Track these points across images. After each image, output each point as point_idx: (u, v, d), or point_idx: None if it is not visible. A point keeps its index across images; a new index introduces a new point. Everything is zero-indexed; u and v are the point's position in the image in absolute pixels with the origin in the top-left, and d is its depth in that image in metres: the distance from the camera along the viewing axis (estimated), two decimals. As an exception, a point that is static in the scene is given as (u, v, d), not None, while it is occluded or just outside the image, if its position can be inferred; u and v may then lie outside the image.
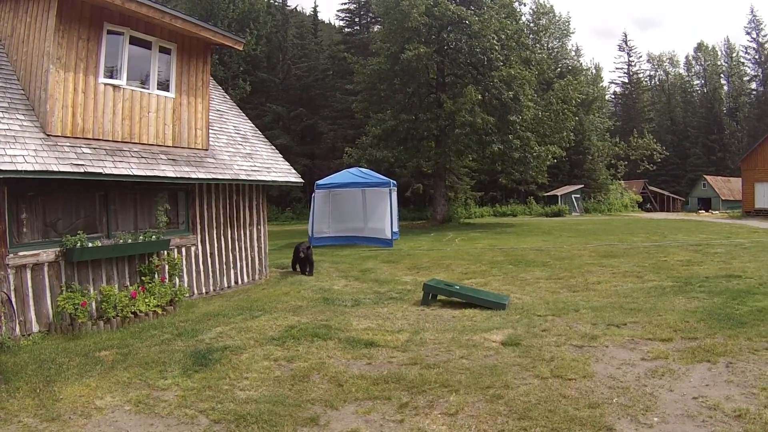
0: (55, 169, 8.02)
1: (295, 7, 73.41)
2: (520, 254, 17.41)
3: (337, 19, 70.45)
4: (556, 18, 71.88)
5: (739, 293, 9.56)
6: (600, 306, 9.20)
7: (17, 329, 7.79)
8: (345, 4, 63.93)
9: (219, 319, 9.01)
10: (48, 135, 8.46)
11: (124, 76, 9.69)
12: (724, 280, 11.01)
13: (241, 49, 12.83)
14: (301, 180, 14.11)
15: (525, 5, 42.83)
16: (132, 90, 9.85)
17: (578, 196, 58.65)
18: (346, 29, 65.29)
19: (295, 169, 14.51)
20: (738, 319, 7.74)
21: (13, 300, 7.79)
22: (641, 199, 69.28)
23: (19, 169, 7.57)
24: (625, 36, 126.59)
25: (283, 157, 14.44)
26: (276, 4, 62.58)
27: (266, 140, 14.54)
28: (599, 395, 5.24)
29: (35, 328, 8.06)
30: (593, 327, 7.73)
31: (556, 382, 5.61)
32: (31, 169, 7.71)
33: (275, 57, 56.93)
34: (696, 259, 14.66)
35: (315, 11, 66.53)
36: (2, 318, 7.56)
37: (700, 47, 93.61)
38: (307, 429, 4.81)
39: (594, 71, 76.95)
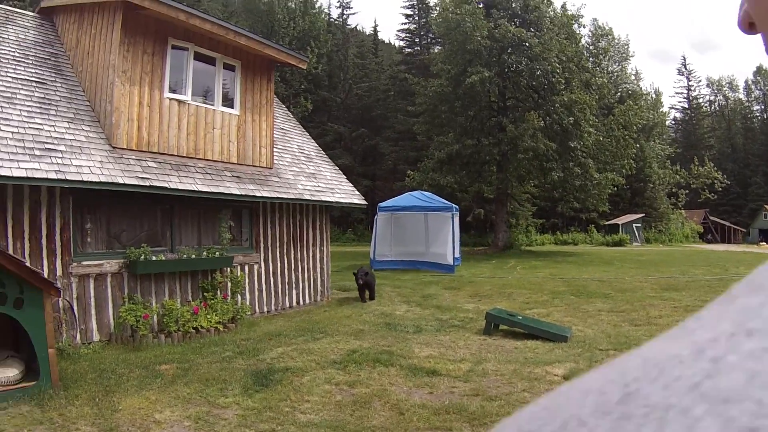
0: (121, 181, 8.02)
1: (356, 26, 73.92)
2: (581, 285, 16.77)
3: (397, 39, 69.90)
4: (616, 41, 69.84)
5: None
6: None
7: (78, 337, 7.79)
8: (405, 24, 63.81)
9: (280, 339, 8.82)
10: (113, 147, 8.49)
11: (189, 91, 9.72)
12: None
13: (304, 67, 12.77)
14: (365, 202, 13.85)
15: (584, 27, 41.91)
16: (197, 105, 9.86)
17: (639, 225, 56.69)
18: (406, 49, 64.63)
19: (356, 189, 14.33)
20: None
21: (75, 308, 7.79)
22: (702, 230, 66.45)
23: (85, 179, 7.59)
24: (684, 60, 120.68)
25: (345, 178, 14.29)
26: (336, 23, 63.19)
27: (329, 160, 14.40)
28: None
29: (96, 337, 8.03)
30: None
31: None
32: (97, 180, 7.73)
33: (336, 76, 57.27)
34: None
35: (375, 31, 66.29)
36: (64, 325, 7.58)
37: (759, 71, 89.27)
38: (374, 456, 4.49)
39: (654, 96, 74.40)
